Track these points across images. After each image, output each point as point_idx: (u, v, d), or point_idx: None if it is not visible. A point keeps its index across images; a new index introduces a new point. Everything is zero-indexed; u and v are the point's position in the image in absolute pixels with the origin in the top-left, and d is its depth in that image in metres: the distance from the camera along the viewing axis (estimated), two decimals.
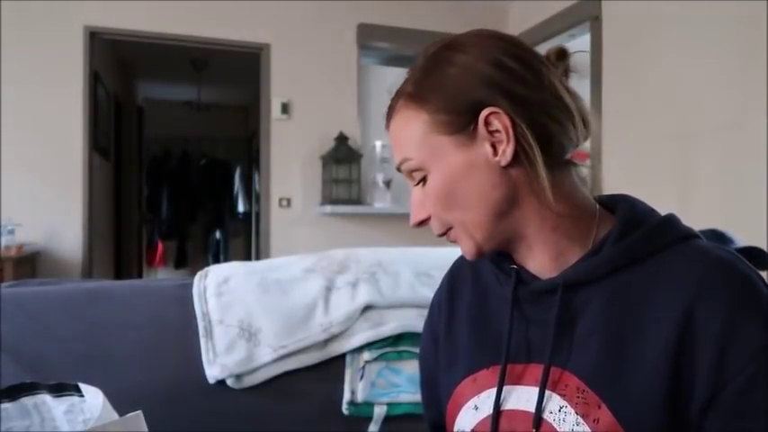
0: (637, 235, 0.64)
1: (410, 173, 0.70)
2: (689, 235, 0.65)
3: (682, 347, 0.58)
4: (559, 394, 0.63)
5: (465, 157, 0.66)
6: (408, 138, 0.68)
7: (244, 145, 7.02)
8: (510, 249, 0.70)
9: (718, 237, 0.84)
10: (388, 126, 0.73)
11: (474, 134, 0.65)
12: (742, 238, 0.85)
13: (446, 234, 0.70)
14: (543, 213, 0.66)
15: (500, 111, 0.63)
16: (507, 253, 0.71)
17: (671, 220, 0.66)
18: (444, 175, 0.66)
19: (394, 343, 1.24)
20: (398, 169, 0.72)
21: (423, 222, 0.71)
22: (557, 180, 0.66)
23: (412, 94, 0.68)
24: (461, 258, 0.83)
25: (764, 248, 0.78)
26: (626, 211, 0.67)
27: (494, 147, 0.65)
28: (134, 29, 3.68)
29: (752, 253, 0.76)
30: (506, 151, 0.64)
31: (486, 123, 0.64)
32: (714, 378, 0.56)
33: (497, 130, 0.64)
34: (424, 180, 0.69)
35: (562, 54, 0.69)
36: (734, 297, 0.57)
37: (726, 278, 0.59)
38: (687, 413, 0.58)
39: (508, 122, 0.63)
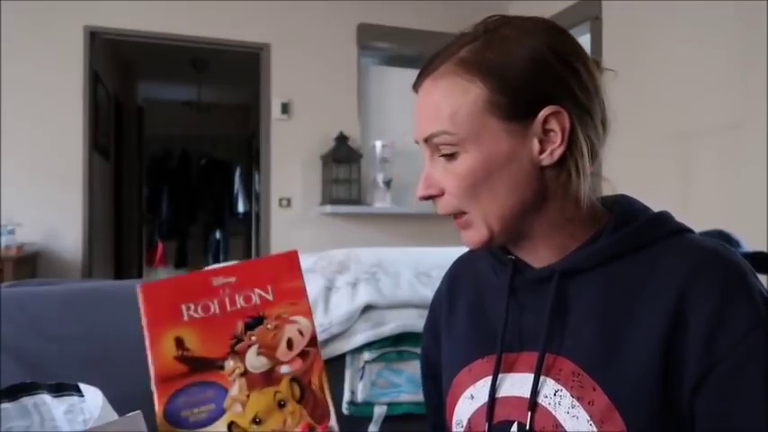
0: (631, 227, 0.65)
1: (438, 146, 0.64)
2: (682, 229, 0.66)
3: (673, 332, 0.58)
4: (554, 379, 0.63)
5: (511, 147, 0.62)
6: (453, 108, 0.63)
7: (244, 145, 7.02)
8: (513, 243, 0.70)
9: (724, 238, 0.85)
10: (419, 86, 0.66)
11: (528, 126, 0.62)
12: (745, 240, 0.85)
13: (456, 218, 0.67)
14: (556, 215, 0.66)
15: (564, 112, 0.62)
16: (506, 246, 0.71)
17: (665, 215, 0.67)
18: (483, 159, 0.62)
19: (394, 343, 1.24)
20: (425, 140, 0.65)
21: (430, 197, 0.67)
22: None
23: (468, 60, 0.63)
24: (460, 258, 0.84)
25: (766, 249, 0.78)
26: (622, 207, 0.68)
27: (541, 144, 0.63)
28: (134, 29, 3.68)
29: (758, 258, 0.77)
30: (555, 153, 0.63)
31: (545, 121, 0.62)
32: (703, 360, 0.57)
33: (553, 130, 0.62)
34: (451, 156, 0.64)
35: (597, 66, 0.67)
36: (724, 284, 0.58)
37: (717, 266, 0.60)
38: (679, 396, 0.59)
39: (568, 126, 0.62)
